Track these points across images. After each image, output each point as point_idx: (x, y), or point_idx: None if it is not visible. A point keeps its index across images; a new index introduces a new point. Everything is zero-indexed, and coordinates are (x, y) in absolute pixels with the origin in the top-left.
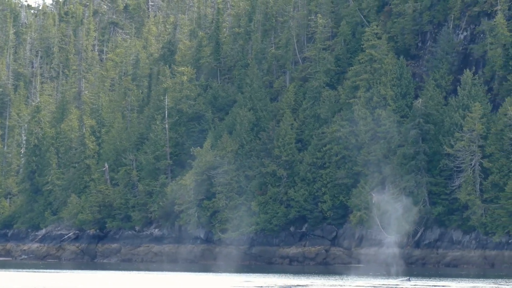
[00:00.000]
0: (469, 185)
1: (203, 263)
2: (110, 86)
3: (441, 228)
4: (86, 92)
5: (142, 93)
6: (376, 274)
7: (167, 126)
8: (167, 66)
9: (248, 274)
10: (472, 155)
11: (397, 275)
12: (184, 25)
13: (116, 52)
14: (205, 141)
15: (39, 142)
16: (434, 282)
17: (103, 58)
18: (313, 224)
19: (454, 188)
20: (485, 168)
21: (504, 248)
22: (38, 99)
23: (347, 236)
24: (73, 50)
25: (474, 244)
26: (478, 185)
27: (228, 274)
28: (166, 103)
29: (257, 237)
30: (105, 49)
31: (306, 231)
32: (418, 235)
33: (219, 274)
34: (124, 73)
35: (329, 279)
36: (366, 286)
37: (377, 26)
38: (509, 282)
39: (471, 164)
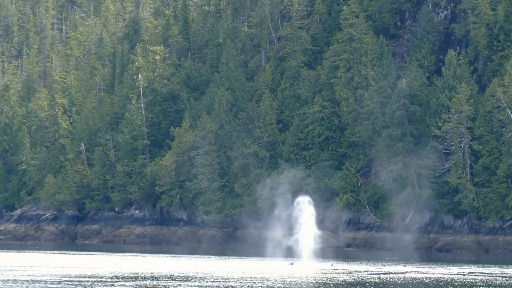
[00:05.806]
0: (459, 168)
1: (187, 246)
2: (75, 65)
3: (431, 212)
4: (56, 71)
5: (104, 71)
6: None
7: (143, 105)
8: (139, 44)
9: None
10: (461, 137)
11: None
12: (146, 3)
13: (79, 30)
14: (182, 121)
15: (9, 121)
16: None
17: (63, 37)
18: None
19: (443, 171)
20: (475, 151)
21: (498, 233)
22: (6, 78)
23: (333, 219)
24: (33, 28)
25: (467, 229)
26: (468, 168)
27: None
28: (141, 83)
29: (241, 220)
30: (64, 27)
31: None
32: (408, 219)
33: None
34: (87, 52)
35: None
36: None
37: (354, 4)
38: None
39: (460, 147)
